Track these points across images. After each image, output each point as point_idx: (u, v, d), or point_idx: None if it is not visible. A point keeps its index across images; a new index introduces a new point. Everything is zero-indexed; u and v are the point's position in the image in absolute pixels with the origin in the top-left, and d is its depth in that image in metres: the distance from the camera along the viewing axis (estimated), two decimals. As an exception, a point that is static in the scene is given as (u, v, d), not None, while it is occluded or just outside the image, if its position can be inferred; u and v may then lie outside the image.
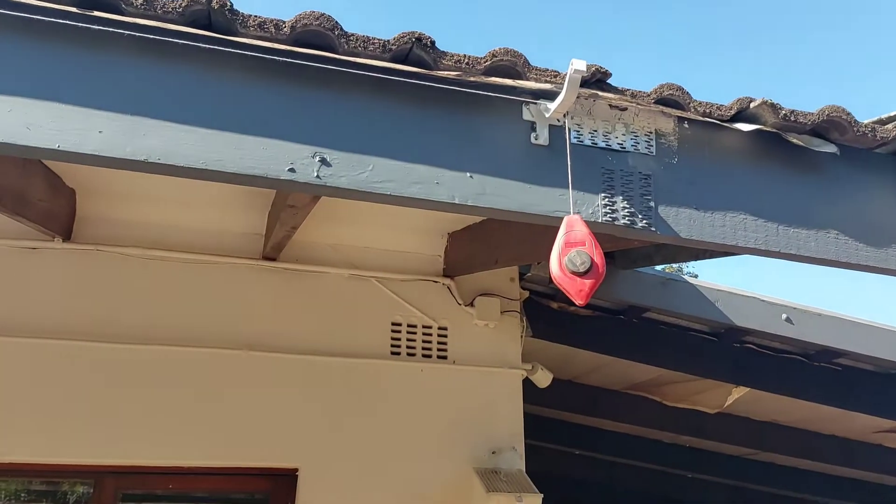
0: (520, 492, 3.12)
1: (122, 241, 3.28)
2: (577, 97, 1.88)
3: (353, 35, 1.81)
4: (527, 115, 1.93)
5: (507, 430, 3.47)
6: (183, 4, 1.68)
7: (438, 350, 3.57)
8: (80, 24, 1.63)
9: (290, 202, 2.32)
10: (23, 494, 3.13)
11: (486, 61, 1.89)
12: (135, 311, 3.21)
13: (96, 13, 1.64)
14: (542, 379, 3.79)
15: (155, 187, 3.21)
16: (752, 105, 2.08)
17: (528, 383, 3.73)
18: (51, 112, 1.59)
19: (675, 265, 12.79)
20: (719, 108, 2.10)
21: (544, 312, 4.05)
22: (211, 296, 3.31)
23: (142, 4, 1.66)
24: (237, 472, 3.19)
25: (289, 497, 3.16)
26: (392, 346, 3.50)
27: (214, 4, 1.69)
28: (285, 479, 3.18)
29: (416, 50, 1.83)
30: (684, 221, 1.99)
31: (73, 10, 1.63)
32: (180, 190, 3.24)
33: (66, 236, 3.21)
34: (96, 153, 1.59)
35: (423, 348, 3.55)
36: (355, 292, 3.51)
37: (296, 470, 3.18)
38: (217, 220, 3.42)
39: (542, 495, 3.12)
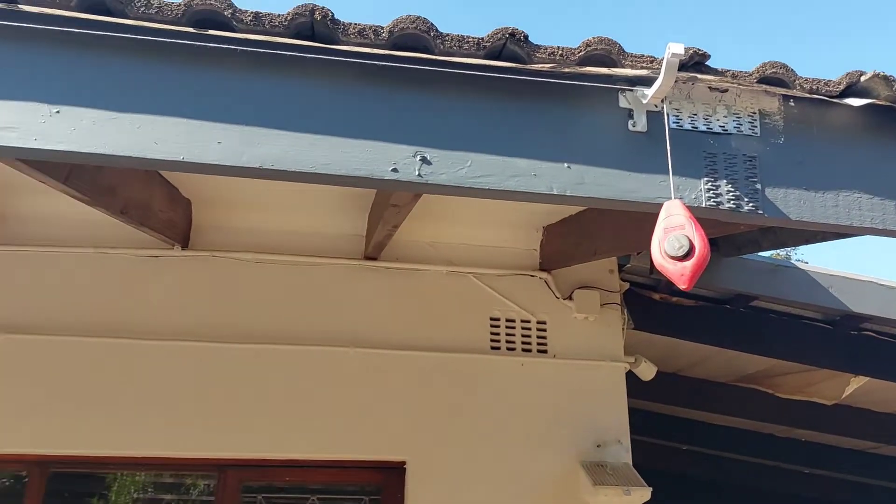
0: (627, 485, 3.09)
1: (235, 247, 3.47)
2: (675, 81, 1.85)
3: (447, 35, 1.86)
4: (623, 103, 1.92)
5: (612, 423, 3.44)
6: (288, 18, 1.78)
7: (538, 344, 3.57)
8: (196, 43, 1.76)
9: (392, 201, 2.40)
10: (151, 488, 3.36)
11: (581, 51, 1.90)
12: (249, 312, 3.38)
13: (211, 32, 1.76)
14: (646, 372, 3.73)
15: (263, 195, 3.38)
16: (862, 79, 1.99)
17: (631, 376, 3.69)
18: (174, 126, 1.72)
19: (782, 252, 12.23)
20: (827, 83, 2.01)
21: (646, 304, 3.98)
22: (317, 296, 3.45)
23: (251, 21, 1.77)
24: (348, 465, 3.31)
25: (398, 489, 3.25)
26: (492, 340, 3.54)
27: (317, 15, 1.78)
28: (394, 472, 3.28)
29: (510, 45, 1.86)
30: (793, 203, 1.92)
31: (191, 30, 1.75)
32: (286, 196, 3.39)
33: (184, 244, 3.43)
34: (216, 162, 1.71)
35: (523, 342, 3.57)
36: (454, 289, 3.57)
37: (403, 463, 3.27)
38: (321, 223, 3.55)
39: (650, 489, 3.08)
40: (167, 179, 3.17)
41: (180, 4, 1.75)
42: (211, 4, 1.75)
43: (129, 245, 3.39)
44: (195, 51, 1.76)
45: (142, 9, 1.73)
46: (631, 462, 3.35)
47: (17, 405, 3.06)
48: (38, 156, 1.65)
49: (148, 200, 2.93)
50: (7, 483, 3.27)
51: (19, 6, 1.69)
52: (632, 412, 3.52)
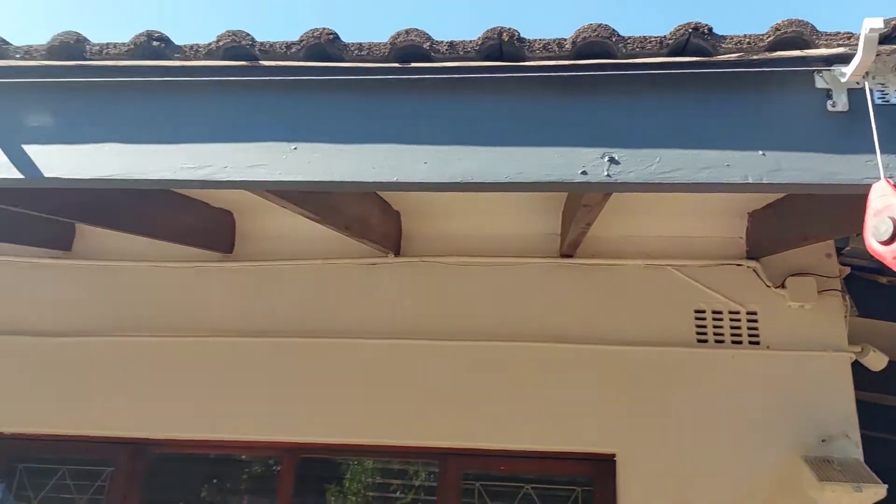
0: (858, 481, 2.89)
1: (441, 252, 3.75)
2: (877, 55, 1.76)
3: (629, 38, 1.92)
4: (820, 83, 1.86)
5: (837, 417, 3.23)
6: (479, 42, 1.95)
7: (749, 335, 3.45)
8: (401, 77, 1.99)
9: (584, 202, 2.49)
10: (379, 473, 3.72)
11: (769, 36, 1.87)
12: (457, 311, 3.64)
13: (413, 64, 1.98)
14: (876, 361, 3.45)
15: (463, 203, 3.62)
16: None
17: (859, 367, 3.43)
18: (387, 152, 1.96)
19: None
20: None
21: (872, 289, 3.67)
22: (519, 294, 3.62)
23: (446, 50, 1.96)
24: (560, 456, 3.43)
25: (609, 481, 3.32)
26: (698, 333, 3.48)
27: (504, 37, 1.93)
28: (604, 464, 3.35)
29: (694, 39, 1.88)
30: None
31: (396, 64, 1.99)
32: (484, 202, 3.61)
33: (396, 252, 3.77)
34: (424, 181, 1.92)
35: (732, 334, 3.47)
36: (653, 282, 3.56)
37: (613, 455, 3.33)
38: (517, 224, 3.72)
39: (885, 486, 2.86)
40: (380, 196, 3.51)
41: (386, 44, 1.99)
42: (412, 40, 1.97)
43: (349, 256, 3.80)
44: (400, 83, 1.99)
45: (355, 52, 1.99)
46: (862, 458, 3.13)
47: (272, 399, 3.56)
48: (282, 186, 1.97)
49: (366, 216, 3.28)
50: (261, 469, 3.80)
51: (260, 62, 2.03)
52: (862, 406, 3.28)
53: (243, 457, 3.77)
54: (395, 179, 1.93)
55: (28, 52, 2.04)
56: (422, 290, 3.71)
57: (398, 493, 3.63)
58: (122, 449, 3.67)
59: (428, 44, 1.98)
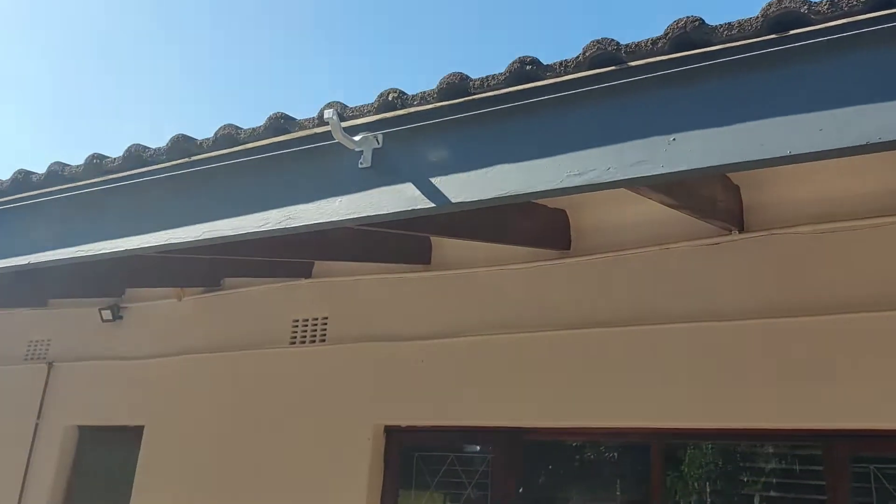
0: None
1: (790, 222, 3.50)
2: None
3: None
4: None
5: None
6: (868, -6, 1.81)
7: None
8: (778, 48, 1.92)
9: None
10: (740, 457, 3.59)
11: None
12: (814, 286, 3.37)
13: (790, 32, 1.91)
14: None
15: (809, 164, 3.33)
16: None
17: None
18: (772, 126, 1.90)
19: None
20: None
21: None
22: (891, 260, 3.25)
23: (828, 9, 1.86)
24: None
25: None
26: None
27: (901, -21, 1.77)
28: None
29: None
30: None
31: (772, 36, 1.93)
32: (837, 161, 3.29)
33: (740, 228, 3.61)
34: (819, 149, 1.83)
35: None
36: None
37: None
38: (879, 181, 3.35)
39: None
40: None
41: (757, 17, 1.94)
42: (785, 7, 1.90)
43: (687, 238, 3.73)
44: (778, 54, 1.93)
45: (724, 32, 1.98)
46: None
47: (632, 385, 3.64)
48: (667, 179, 2.02)
49: (713, 195, 3.21)
50: (624, 453, 3.91)
51: (628, 64, 2.11)
52: None
53: (609, 443, 3.92)
54: (788, 153, 1.87)
55: (424, 98, 2.36)
56: (769, 265, 3.50)
57: (767, 478, 3.49)
58: (500, 437, 4.04)
59: (805, 7, 1.89)
